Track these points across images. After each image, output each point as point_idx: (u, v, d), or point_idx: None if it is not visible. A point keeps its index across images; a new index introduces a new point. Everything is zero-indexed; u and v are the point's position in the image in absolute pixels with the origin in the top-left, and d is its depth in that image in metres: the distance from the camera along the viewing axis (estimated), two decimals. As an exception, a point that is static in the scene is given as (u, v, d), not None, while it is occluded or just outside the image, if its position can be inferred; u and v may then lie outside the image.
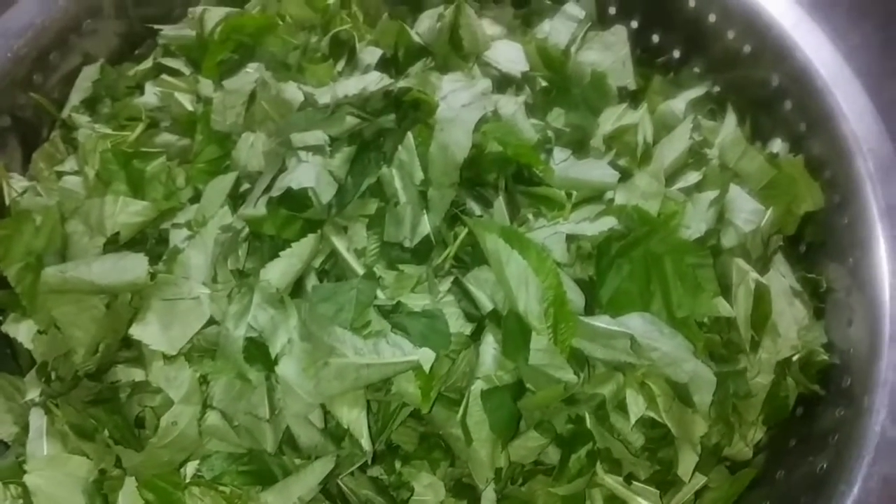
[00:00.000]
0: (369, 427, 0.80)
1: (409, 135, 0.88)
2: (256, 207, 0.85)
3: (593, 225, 0.85)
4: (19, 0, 1.00)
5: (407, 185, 0.86)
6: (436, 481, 0.83)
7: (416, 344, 0.79)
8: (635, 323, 0.81)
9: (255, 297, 0.82)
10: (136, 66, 1.05)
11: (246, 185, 0.91)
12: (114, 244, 0.90)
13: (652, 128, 0.97)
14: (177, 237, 0.88)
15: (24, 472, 0.82)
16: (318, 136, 0.88)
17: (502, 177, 0.89)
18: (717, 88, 1.05)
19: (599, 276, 0.85)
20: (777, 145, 0.98)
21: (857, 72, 0.94)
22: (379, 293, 0.83)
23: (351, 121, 0.90)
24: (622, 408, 0.82)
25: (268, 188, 0.87)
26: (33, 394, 0.88)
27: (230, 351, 0.81)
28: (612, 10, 1.11)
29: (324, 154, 0.87)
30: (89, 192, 0.93)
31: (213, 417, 0.82)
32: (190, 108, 0.98)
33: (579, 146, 0.94)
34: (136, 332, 0.83)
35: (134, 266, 0.84)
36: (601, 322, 0.81)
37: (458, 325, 0.82)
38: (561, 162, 0.91)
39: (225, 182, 0.90)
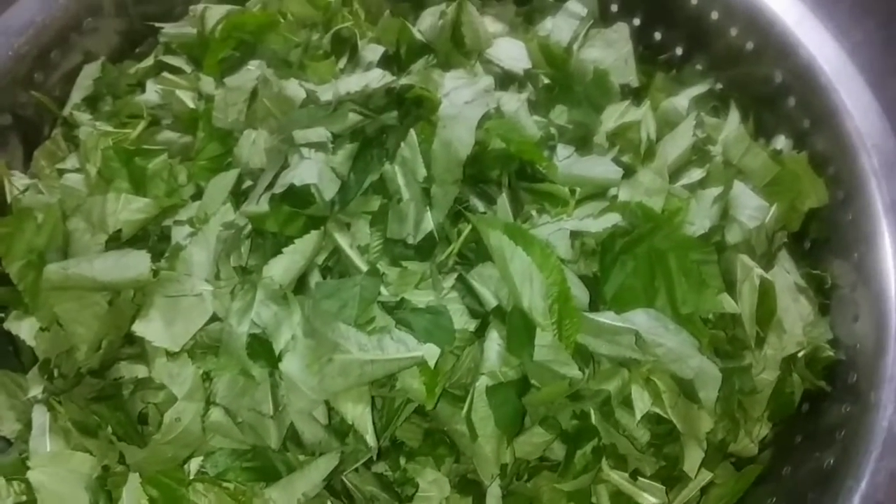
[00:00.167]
0: (374, 423, 0.80)
1: (412, 132, 0.87)
2: (259, 204, 0.85)
3: (597, 221, 0.85)
4: (20, -2, 1.00)
5: (410, 181, 0.86)
6: (440, 477, 0.83)
7: (420, 340, 0.79)
8: (640, 319, 0.81)
9: (258, 294, 0.81)
10: (138, 64, 1.05)
11: (248, 183, 0.90)
12: (116, 241, 0.89)
13: (655, 125, 0.97)
14: (179, 234, 0.88)
15: (28, 468, 0.82)
16: (320, 133, 0.88)
17: (505, 174, 0.89)
18: (719, 86, 1.05)
19: (603, 273, 0.84)
20: (781, 142, 0.98)
21: (860, 69, 0.94)
22: (382, 290, 0.82)
23: (353, 118, 0.89)
24: (627, 404, 0.82)
25: (270, 185, 0.86)
26: (36, 391, 0.88)
27: (233, 347, 0.81)
28: (614, 8, 1.11)
29: (326, 151, 0.87)
30: (91, 189, 0.93)
31: (216, 414, 0.81)
32: (191, 105, 0.97)
33: (582, 143, 0.94)
34: (138, 328, 0.82)
35: (136, 263, 0.84)
36: (606, 318, 0.80)
37: (462, 321, 0.82)
38: (564, 159, 0.90)
39: (227, 179, 0.90)
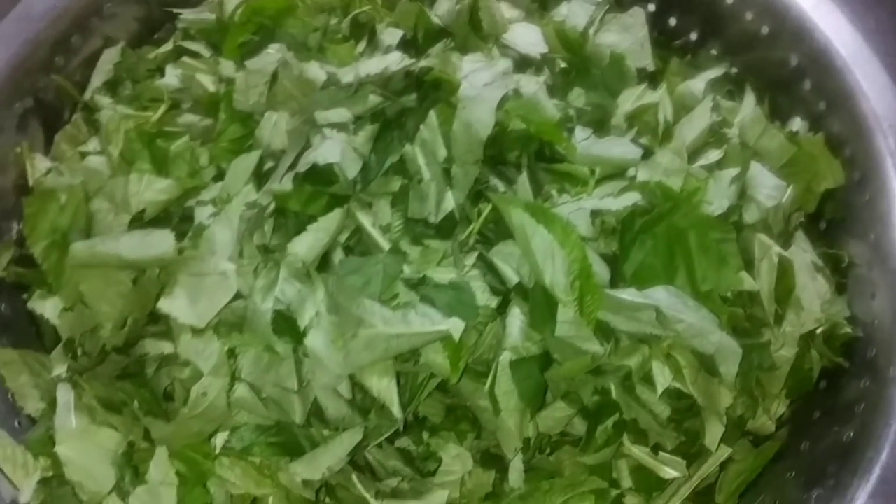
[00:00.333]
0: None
1: (432, 113, 0.88)
2: (282, 183, 0.86)
3: (617, 200, 0.86)
4: (42, -17, 1.00)
5: (430, 162, 0.87)
6: (463, 452, 0.84)
7: (444, 315, 0.79)
8: (660, 295, 0.82)
9: (281, 272, 0.82)
10: (157, 50, 1.06)
11: (269, 164, 0.91)
12: (139, 222, 0.90)
13: (672, 107, 0.98)
14: (202, 214, 0.88)
15: (54, 444, 0.83)
16: (341, 114, 0.89)
17: (525, 154, 0.89)
18: (734, 70, 1.06)
19: (623, 251, 0.85)
20: (796, 124, 0.99)
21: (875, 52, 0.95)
22: (405, 268, 0.83)
23: (374, 99, 0.90)
24: (648, 379, 0.82)
25: (293, 165, 0.87)
26: (60, 370, 0.89)
27: (258, 324, 0.81)
28: (629, -7, 1.12)
29: (348, 131, 0.88)
30: (113, 171, 0.94)
31: (241, 390, 0.82)
32: (212, 88, 0.98)
33: (600, 126, 0.95)
34: (164, 305, 0.83)
35: (161, 241, 0.85)
36: (627, 294, 0.81)
37: (483, 298, 0.83)
38: (583, 140, 0.91)
39: (249, 160, 0.91)
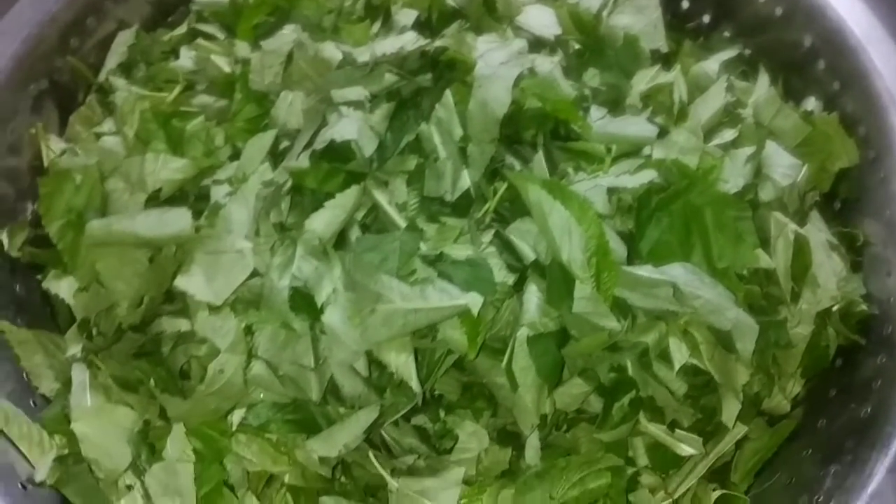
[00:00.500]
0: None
1: (448, 92, 0.89)
2: (299, 161, 0.86)
3: (633, 178, 0.86)
4: (57, -34, 1.00)
5: (446, 141, 0.87)
6: (479, 429, 0.83)
7: (462, 290, 0.80)
8: (677, 272, 0.82)
9: (298, 249, 0.82)
10: (171, 32, 1.06)
11: (285, 143, 0.91)
12: (155, 201, 0.90)
13: (686, 87, 0.98)
14: (218, 193, 0.89)
15: (70, 421, 0.83)
16: (358, 92, 0.89)
17: (541, 133, 0.90)
18: (748, 51, 1.06)
19: (639, 229, 0.85)
20: (811, 104, 0.99)
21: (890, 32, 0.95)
22: (421, 245, 0.83)
23: (389, 78, 0.90)
24: (665, 356, 0.82)
25: (309, 143, 0.87)
26: (75, 349, 0.89)
27: (275, 301, 0.81)
28: (642, -23, 1.11)
29: (364, 110, 0.88)
30: (129, 151, 0.94)
31: (258, 367, 0.82)
32: (227, 69, 0.98)
33: (614, 105, 0.95)
34: (181, 283, 0.83)
35: (178, 219, 0.85)
36: (643, 271, 0.81)
37: (500, 275, 0.83)
38: (598, 119, 0.91)
39: (265, 140, 0.91)
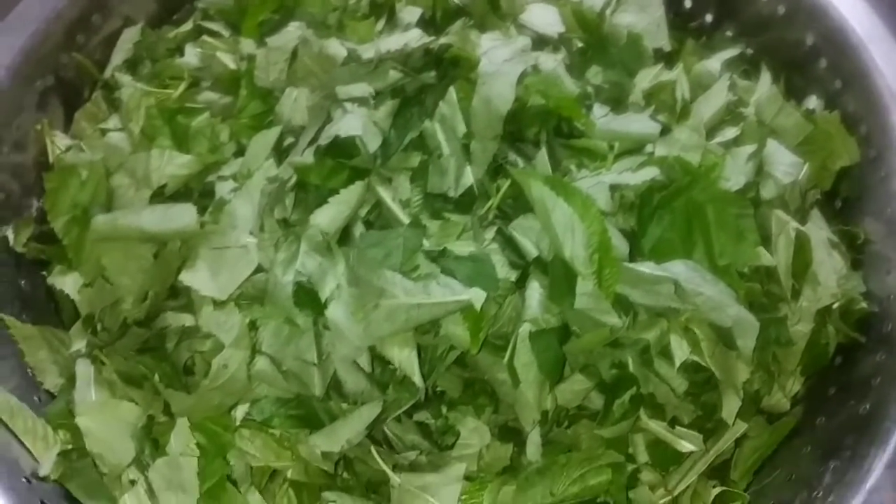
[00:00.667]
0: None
1: (452, 89, 0.89)
2: (304, 156, 0.87)
3: (636, 175, 0.86)
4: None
5: (450, 137, 0.88)
6: (481, 426, 0.84)
7: (465, 286, 0.80)
8: (678, 269, 0.82)
9: (302, 245, 0.83)
10: (176, 29, 1.06)
11: (290, 140, 0.92)
12: (160, 197, 0.91)
13: (689, 85, 0.98)
14: (223, 189, 0.89)
15: (74, 416, 0.83)
16: (362, 89, 0.90)
17: (544, 130, 0.90)
18: (750, 51, 1.06)
19: (642, 226, 0.86)
20: (812, 102, 0.99)
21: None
22: (424, 241, 0.84)
23: (394, 75, 0.91)
24: (666, 353, 0.83)
25: (313, 139, 0.88)
26: (79, 345, 0.89)
27: (279, 296, 0.82)
28: (645, -24, 1.12)
29: (368, 106, 0.89)
30: (134, 147, 0.95)
31: (262, 362, 0.83)
32: (232, 66, 0.99)
33: (617, 103, 0.96)
34: (185, 278, 0.84)
35: (183, 214, 0.86)
36: (645, 268, 0.82)
37: (503, 271, 0.83)
38: (601, 116, 0.92)
39: (269, 136, 0.91)
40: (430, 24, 1.02)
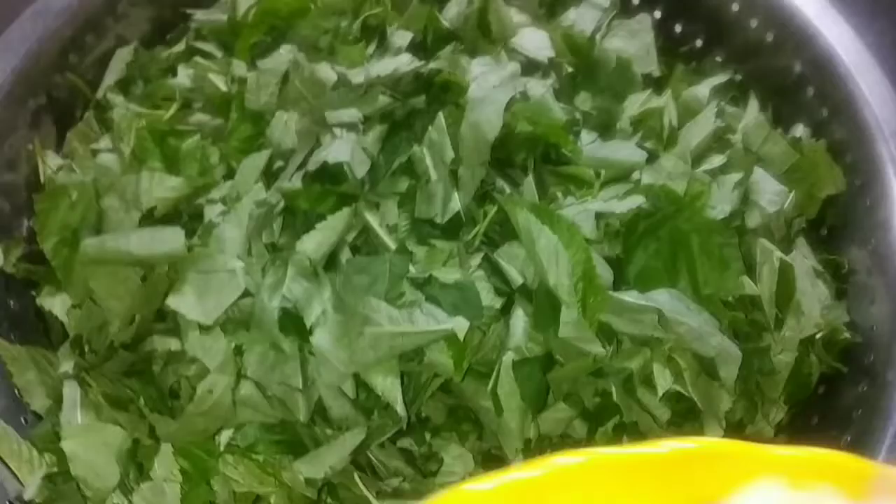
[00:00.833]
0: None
1: (440, 115, 0.90)
2: (292, 181, 0.87)
3: (622, 203, 0.87)
4: (57, -19, 1.02)
5: (438, 163, 0.88)
6: (465, 452, 0.84)
7: (449, 314, 0.81)
8: (663, 298, 0.82)
9: (289, 270, 0.83)
10: (169, 50, 1.07)
11: (279, 163, 0.92)
12: (149, 219, 0.91)
13: (676, 112, 0.99)
14: (212, 212, 0.89)
15: (60, 439, 0.84)
16: (352, 114, 0.90)
17: (531, 156, 0.91)
18: (739, 77, 1.07)
19: (627, 254, 0.86)
20: (799, 130, 1.00)
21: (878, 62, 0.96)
22: (411, 267, 0.84)
23: (383, 100, 0.91)
24: (649, 382, 0.83)
25: (302, 164, 0.89)
26: (67, 366, 0.89)
27: (265, 321, 0.82)
28: (636, 1, 1.13)
29: (357, 131, 0.89)
30: (125, 168, 0.95)
31: (247, 387, 0.83)
32: (224, 88, 0.99)
33: (605, 129, 0.96)
34: (172, 302, 0.84)
35: (171, 238, 0.86)
36: (629, 297, 0.82)
37: (488, 298, 0.84)
38: (589, 143, 0.92)
39: (259, 159, 0.92)
40: (420, 47, 1.02)
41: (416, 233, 0.87)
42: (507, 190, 0.89)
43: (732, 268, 0.85)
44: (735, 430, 0.89)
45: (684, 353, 0.83)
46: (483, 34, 1.03)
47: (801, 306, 0.89)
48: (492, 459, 0.86)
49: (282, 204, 0.88)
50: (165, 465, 0.82)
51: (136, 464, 0.85)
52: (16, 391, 0.90)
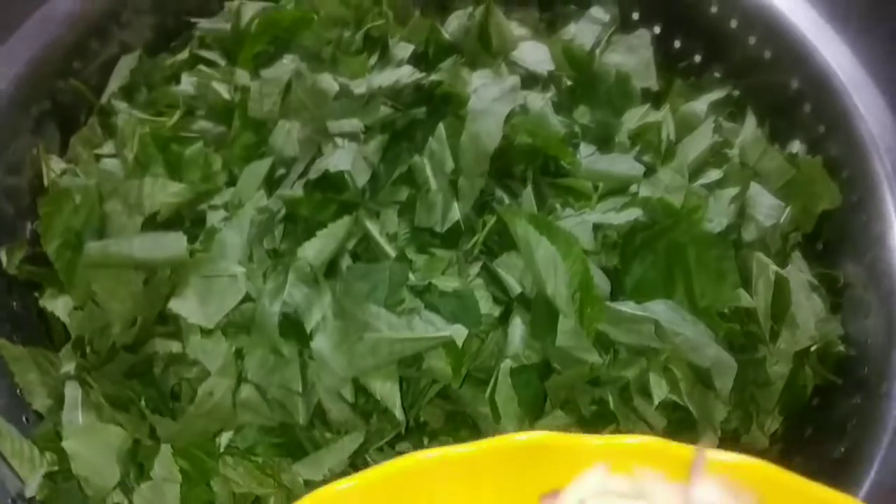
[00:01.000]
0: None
1: (441, 126, 0.91)
2: (293, 189, 0.88)
3: (619, 215, 0.88)
4: (62, -12, 1.03)
5: (438, 173, 0.89)
6: (462, 458, 0.85)
7: (447, 322, 0.81)
8: (659, 309, 0.83)
9: (290, 276, 0.84)
10: (173, 58, 1.08)
11: (281, 171, 0.93)
12: (152, 224, 0.92)
13: (674, 127, 1.00)
14: (214, 218, 0.90)
15: (61, 439, 0.84)
16: (353, 124, 0.91)
17: (530, 168, 0.92)
18: (736, 93, 1.08)
19: (624, 265, 0.87)
20: (796, 146, 1.01)
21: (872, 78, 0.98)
22: (410, 275, 0.85)
23: (385, 110, 0.93)
24: (645, 391, 0.84)
25: (304, 173, 0.90)
26: (69, 367, 0.90)
27: (265, 326, 0.83)
28: (635, 16, 1.14)
29: (359, 141, 0.90)
30: (128, 174, 0.96)
31: (247, 390, 0.84)
32: (227, 96, 1.00)
33: (604, 143, 0.97)
34: (174, 305, 0.85)
35: (173, 243, 0.87)
36: (626, 307, 0.83)
37: (486, 307, 0.85)
38: (587, 156, 0.93)
39: (261, 167, 0.93)
40: (421, 59, 1.03)
41: (416, 241, 0.88)
42: (507, 201, 0.90)
43: (728, 280, 0.86)
44: (730, 439, 0.90)
45: (680, 363, 0.84)
46: (484, 47, 1.05)
47: (796, 319, 0.90)
48: (488, 466, 0.86)
49: (283, 211, 0.89)
50: (165, 465, 0.82)
51: (137, 464, 0.85)
52: (17, 391, 0.91)
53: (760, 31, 1.04)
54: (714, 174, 0.95)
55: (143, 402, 0.86)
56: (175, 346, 0.87)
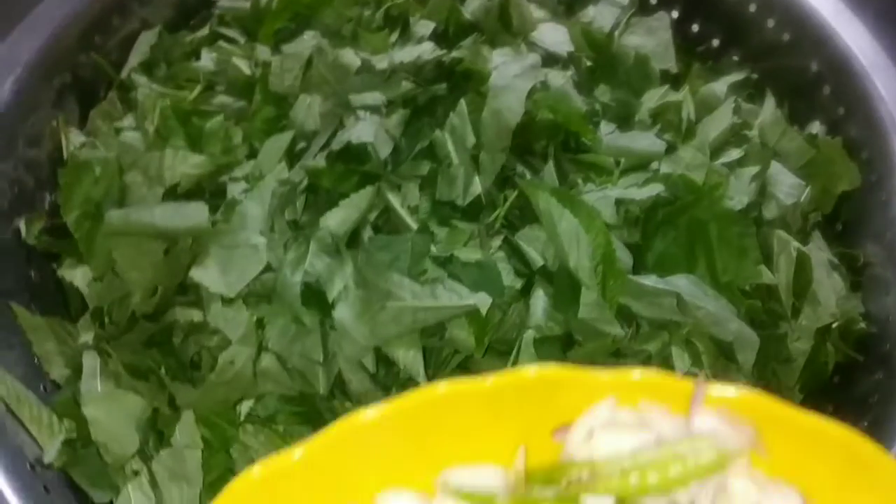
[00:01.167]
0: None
1: (462, 101, 0.91)
2: (315, 161, 0.88)
3: (641, 190, 0.88)
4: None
5: (459, 148, 0.89)
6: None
7: (471, 291, 0.81)
8: (681, 283, 0.84)
9: (311, 246, 0.84)
10: (193, 34, 1.08)
11: (302, 144, 0.93)
12: (172, 195, 0.92)
13: (694, 106, 1.00)
14: (235, 190, 0.90)
15: (80, 406, 0.84)
16: (375, 97, 0.91)
17: (552, 144, 0.92)
18: (755, 75, 1.08)
19: (646, 240, 0.87)
20: (815, 128, 1.01)
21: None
22: (432, 247, 0.85)
23: (406, 85, 0.93)
24: (667, 364, 0.84)
25: (325, 145, 0.90)
26: (87, 337, 0.90)
27: (287, 295, 0.83)
28: (654, 0, 1.14)
29: (380, 114, 0.90)
30: (148, 146, 0.96)
31: (267, 359, 0.84)
32: (247, 71, 1.00)
33: (624, 122, 0.97)
34: (195, 274, 0.85)
35: (195, 213, 0.87)
36: (648, 280, 0.83)
37: (508, 279, 0.85)
38: (608, 133, 0.93)
39: (282, 140, 0.93)
40: (442, 38, 1.03)
41: (438, 214, 0.88)
42: (528, 175, 0.90)
43: (750, 256, 0.86)
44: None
45: (702, 336, 0.84)
46: (504, 27, 1.05)
47: (817, 296, 0.90)
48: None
49: (305, 182, 0.89)
50: (187, 431, 0.82)
51: (156, 431, 0.85)
52: (35, 360, 0.91)
53: (779, 15, 1.05)
54: (735, 153, 0.95)
55: (162, 371, 0.86)
56: (196, 315, 0.87)
